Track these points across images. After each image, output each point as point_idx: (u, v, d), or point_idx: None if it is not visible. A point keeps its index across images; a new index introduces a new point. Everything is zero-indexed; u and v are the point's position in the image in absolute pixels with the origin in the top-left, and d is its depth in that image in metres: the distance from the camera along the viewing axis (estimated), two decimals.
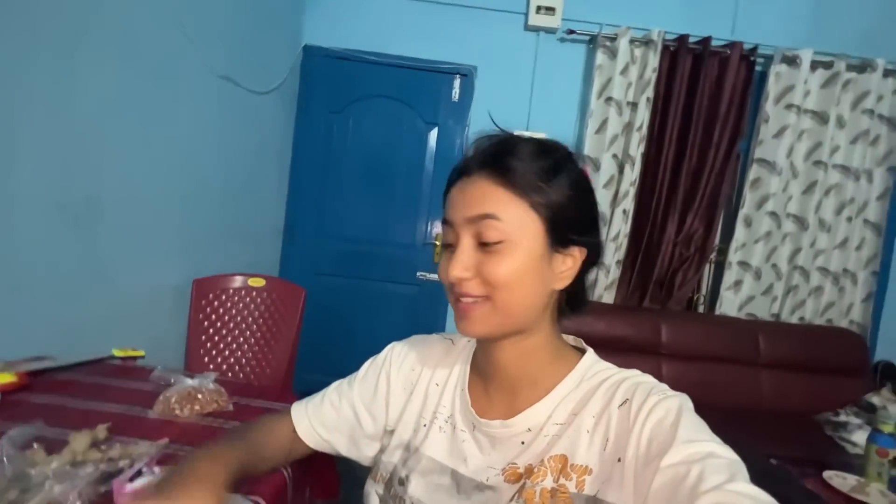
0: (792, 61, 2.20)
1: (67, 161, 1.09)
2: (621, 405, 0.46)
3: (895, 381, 2.18)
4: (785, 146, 2.23)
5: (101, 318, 1.19)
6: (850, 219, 2.28)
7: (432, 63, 2.33)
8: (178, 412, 0.77)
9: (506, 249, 0.47)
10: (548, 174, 0.48)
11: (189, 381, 0.81)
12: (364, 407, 0.61)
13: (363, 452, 0.62)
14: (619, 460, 0.43)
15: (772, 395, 2.16)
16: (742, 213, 2.29)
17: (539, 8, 2.23)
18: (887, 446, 1.41)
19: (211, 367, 1.47)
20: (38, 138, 1.02)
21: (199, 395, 0.80)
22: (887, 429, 1.42)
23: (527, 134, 0.55)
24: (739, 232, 2.30)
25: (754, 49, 2.20)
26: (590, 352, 0.54)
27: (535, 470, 0.48)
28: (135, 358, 1.04)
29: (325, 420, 0.62)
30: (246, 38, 1.82)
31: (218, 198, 1.73)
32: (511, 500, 0.48)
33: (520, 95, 2.35)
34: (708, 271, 2.41)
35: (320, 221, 2.42)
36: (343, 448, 0.62)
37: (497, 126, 0.54)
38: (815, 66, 2.21)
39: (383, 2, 2.31)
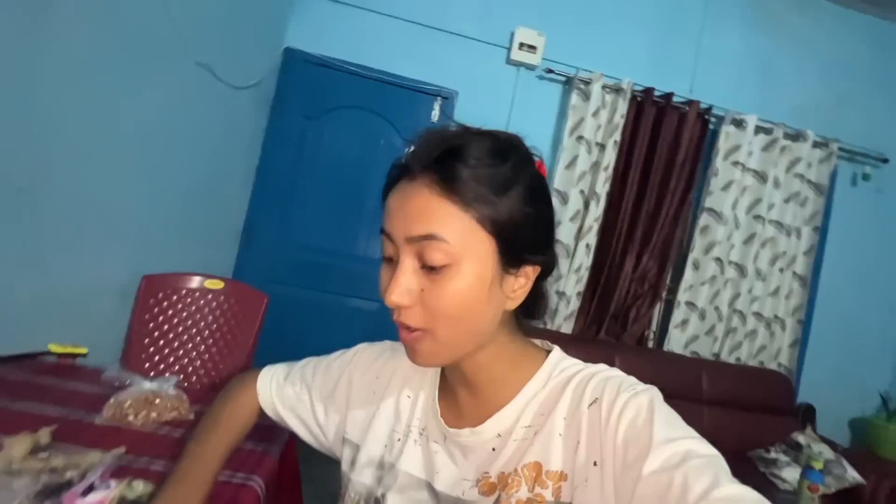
0: (739, 124, 2.45)
1: (16, 127, 0.97)
2: (591, 405, 0.44)
3: (815, 422, 2.38)
4: (730, 199, 2.44)
5: (32, 309, 1.04)
6: (781, 270, 2.52)
7: (415, 83, 2.35)
8: (131, 419, 0.68)
9: (451, 274, 0.42)
10: (501, 184, 0.42)
11: (147, 385, 0.71)
12: (321, 400, 0.60)
13: (316, 437, 0.62)
14: (596, 464, 0.42)
15: (711, 430, 2.24)
16: (691, 256, 2.45)
17: (521, 45, 2.34)
18: (818, 482, 1.52)
19: (152, 373, 1.32)
20: None
21: (157, 401, 0.70)
22: (818, 465, 1.54)
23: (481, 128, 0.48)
24: (688, 274, 2.46)
25: (709, 109, 2.42)
26: (556, 350, 0.52)
27: (510, 480, 0.45)
28: (75, 356, 0.91)
29: (283, 398, 0.63)
30: (228, 29, 1.75)
31: (176, 190, 1.61)
32: None
33: (497, 124, 2.38)
34: (658, 309, 2.54)
35: (283, 228, 2.31)
36: (294, 427, 0.63)
37: (451, 119, 0.50)
38: (758, 130, 2.46)
39: (370, 16, 2.32)
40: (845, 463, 2.01)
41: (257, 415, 0.64)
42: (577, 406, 0.45)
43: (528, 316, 0.52)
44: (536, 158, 0.48)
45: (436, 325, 0.43)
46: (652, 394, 0.43)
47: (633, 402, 0.42)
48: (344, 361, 0.61)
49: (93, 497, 0.47)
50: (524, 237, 0.44)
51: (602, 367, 0.49)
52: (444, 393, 0.53)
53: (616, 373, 0.47)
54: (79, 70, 1.09)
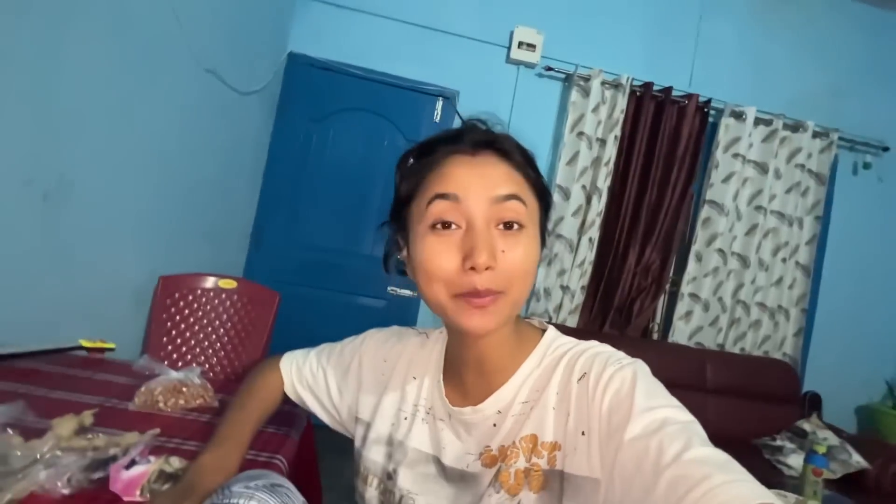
0: (739, 116, 2.47)
1: (42, 135, 1.02)
2: (580, 379, 0.46)
3: (821, 410, 2.40)
4: (731, 191, 2.46)
5: (58, 307, 1.09)
6: (784, 260, 2.54)
7: (416, 83, 2.40)
8: (161, 405, 0.72)
9: (524, 235, 0.46)
10: (532, 162, 0.51)
11: (174, 374, 0.76)
12: (335, 381, 0.65)
13: (331, 415, 0.66)
14: (584, 433, 0.44)
15: (716, 420, 2.29)
16: (694, 248, 2.48)
17: (521, 43, 2.37)
18: (821, 466, 1.55)
19: None
20: (15, 107, 0.95)
21: (185, 389, 0.75)
22: (821, 450, 1.56)
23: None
24: (691, 266, 2.48)
25: (708, 102, 2.45)
26: (550, 329, 0.55)
27: (509, 452, 0.48)
28: (103, 350, 0.96)
29: (302, 379, 0.68)
30: (234, 36, 1.80)
31: (187, 193, 1.66)
32: (489, 484, 0.49)
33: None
34: (662, 301, 2.57)
35: (290, 229, 2.36)
36: (311, 405, 0.67)
37: (461, 118, 0.55)
38: (757, 122, 2.49)
39: (371, 19, 2.37)
40: (850, 448, 2.03)
41: (282, 394, 0.69)
42: (567, 380, 0.48)
43: None
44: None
45: (511, 285, 0.45)
46: (636, 366, 0.46)
47: (618, 374, 0.44)
48: (355, 346, 0.66)
49: (136, 470, 0.51)
50: (548, 208, 0.52)
51: (593, 343, 0.51)
52: (448, 375, 0.56)
53: (605, 348, 0.50)
54: (95, 79, 1.14)
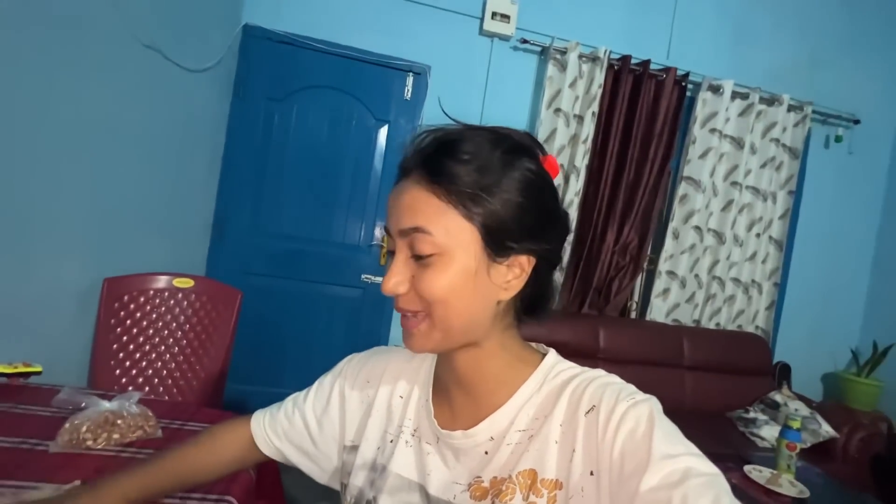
0: (716, 90, 2.42)
1: None
2: (588, 412, 0.43)
3: (790, 380, 2.47)
4: (708, 166, 2.44)
5: None
6: (758, 235, 2.55)
7: (385, 58, 2.25)
8: (90, 443, 0.63)
9: (439, 263, 0.44)
10: (488, 175, 0.44)
11: (105, 405, 0.66)
12: (315, 419, 0.59)
13: (317, 465, 0.60)
14: (592, 473, 0.41)
15: (693, 395, 2.34)
16: (671, 226, 2.46)
17: (494, 14, 2.24)
18: (795, 440, 1.57)
19: (124, 381, 1.26)
20: None
21: (119, 421, 0.66)
22: (796, 425, 1.59)
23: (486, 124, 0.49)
24: (668, 243, 2.47)
25: (686, 76, 2.39)
26: (551, 353, 0.52)
27: (504, 487, 0.45)
28: (28, 375, 0.84)
29: (277, 428, 0.60)
30: (177, 6, 1.61)
31: (134, 185, 1.51)
32: None
33: (472, 99, 2.34)
34: (640, 280, 2.56)
35: (255, 217, 2.22)
36: (293, 458, 0.60)
37: (449, 116, 0.50)
38: (734, 96, 2.45)
39: None
40: (819, 418, 2.10)
41: (242, 450, 0.62)
42: (573, 412, 0.45)
43: (532, 313, 0.51)
44: (542, 155, 0.49)
45: (430, 307, 0.45)
46: (651, 404, 0.42)
47: (632, 412, 0.41)
48: (334, 375, 0.61)
49: None
50: (513, 228, 0.45)
51: (600, 372, 0.48)
52: (437, 393, 0.53)
53: (614, 379, 0.47)
54: (5, 56, 0.98)
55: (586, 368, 0.49)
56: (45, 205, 1.15)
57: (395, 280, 0.45)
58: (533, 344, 0.54)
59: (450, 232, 0.43)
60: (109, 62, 1.31)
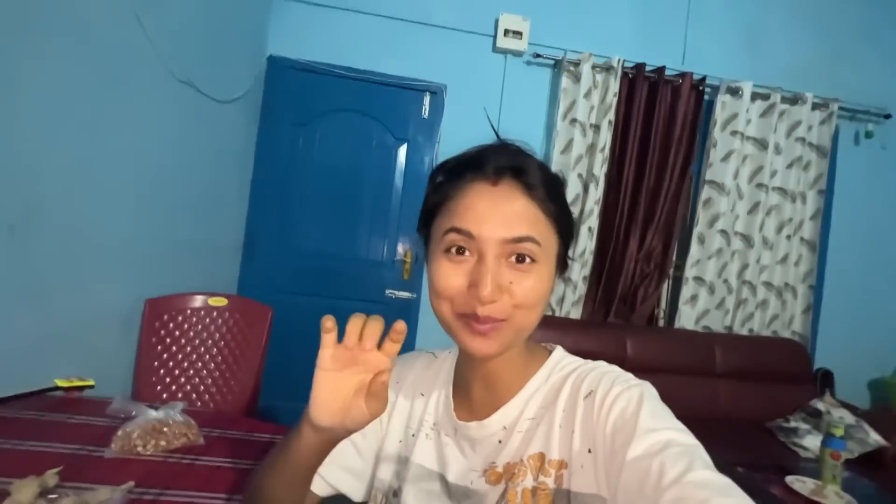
0: (735, 92, 2.39)
1: (2, 163, 0.96)
2: (586, 397, 0.47)
3: (833, 387, 2.36)
4: (731, 169, 2.40)
5: (36, 344, 1.04)
6: (788, 237, 2.48)
7: (402, 80, 2.33)
8: (140, 449, 0.68)
9: (535, 270, 0.46)
10: (558, 193, 0.49)
11: (153, 413, 0.71)
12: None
13: (360, 481, 0.58)
14: (590, 451, 0.45)
15: (727, 403, 2.26)
16: (696, 231, 2.42)
17: (507, 31, 2.30)
18: (839, 449, 1.50)
19: (164, 395, 1.33)
20: None
21: (165, 429, 0.70)
22: (839, 432, 1.52)
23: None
24: (694, 249, 2.42)
25: (703, 80, 2.37)
26: (558, 348, 0.56)
27: (516, 470, 0.49)
28: (82, 388, 0.91)
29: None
30: (208, 43, 1.73)
31: (172, 211, 1.60)
32: (496, 503, 0.49)
33: (489, 114, 2.38)
34: (667, 287, 2.52)
35: (283, 237, 2.31)
36: (345, 483, 0.58)
37: (495, 130, 0.54)
38: (754, 97, 2.41)
39: (350, 16, 2.29)
40: (867, 427, 1.99)
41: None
42: (574, 398, 0.48)
43: None
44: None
45: (515, 314, 0.46)
46: (643, 388, 0.46)
47: (624, 394, 0.45)
48: None
49: None
50: (569, 240, 0.51)
51: (601, 363, 0.52)
52: (457, 389, 0.56)
53: (613, 368, 0.50)
54: (57, 98, 1.08)
55: (589, 361, 0.53)
56: (93, 233, 1.24)
57: (496, 286, 0.45)
58: (542, 343, 0.58)
59: (547, 240, 0.48)
60: (150, 98, 1.42)
